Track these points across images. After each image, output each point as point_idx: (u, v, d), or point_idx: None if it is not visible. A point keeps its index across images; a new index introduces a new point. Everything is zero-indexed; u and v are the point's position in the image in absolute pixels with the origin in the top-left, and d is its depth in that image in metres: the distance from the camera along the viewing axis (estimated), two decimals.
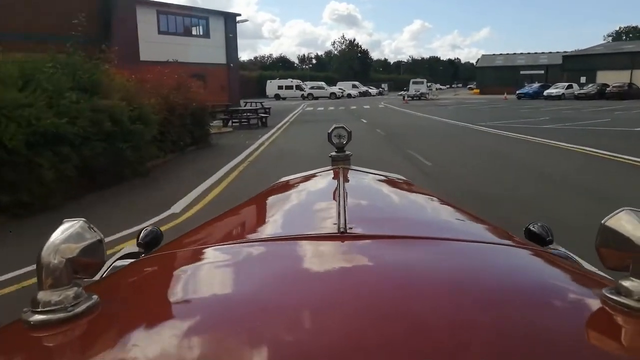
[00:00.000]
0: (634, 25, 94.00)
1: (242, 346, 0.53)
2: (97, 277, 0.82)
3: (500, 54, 71.68)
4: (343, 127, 1.78)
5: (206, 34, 30.17)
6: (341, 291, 0.65)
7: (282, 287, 0.69)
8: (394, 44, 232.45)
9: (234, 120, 18.31)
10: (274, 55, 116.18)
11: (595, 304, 0.61)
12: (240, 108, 20.23)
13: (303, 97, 56.70)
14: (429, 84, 56.98)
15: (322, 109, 33.35)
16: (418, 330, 0.55)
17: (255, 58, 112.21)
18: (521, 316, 0.59)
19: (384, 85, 76.01)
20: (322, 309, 0.60)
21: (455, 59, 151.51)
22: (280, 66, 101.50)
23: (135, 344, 0.55)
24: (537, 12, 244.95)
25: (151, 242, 1.26)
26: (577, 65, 50.49)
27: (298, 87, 58.69)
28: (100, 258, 0.65)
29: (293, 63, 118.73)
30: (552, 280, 0.77)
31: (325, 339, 0.53)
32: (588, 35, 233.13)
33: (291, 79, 60.90)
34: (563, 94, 41.13)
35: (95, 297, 0.62)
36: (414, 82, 52.44)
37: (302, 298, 0.64)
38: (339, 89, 59.31)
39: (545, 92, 42.19)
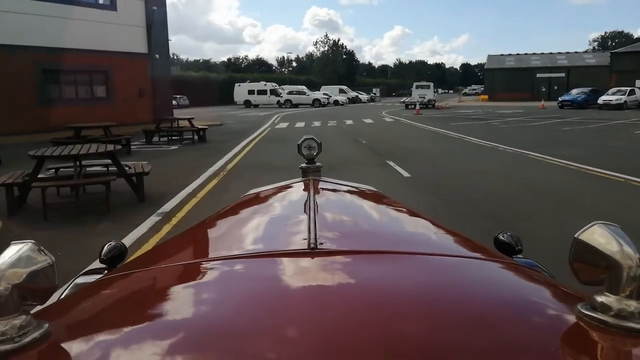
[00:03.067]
0: (619, 30, 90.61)
1: None
2: (57, 297, 0.77)
3: (510, 54, 61.56)
4: (313, 139, 1.77)
5: (110, 4, 18.45)
6: (309, 310, 0.63)
7: (249, 307, 0.66)
8: (374, 50, 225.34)
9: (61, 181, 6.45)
10: (250, 57, 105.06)
11: (570, 319, 0.60)
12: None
13: (279, 105, 45.24)
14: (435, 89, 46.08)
15: (303, 125, 21.79)
16: (387, 347, 0.54)
17: (229, 59, 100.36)
18: (494, 332, 0.59)
19: (376, 90, 65.08)
20: (288, 328, 0.59)
21: (441, 63, 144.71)
22: (257, 69, 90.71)
23: None
24: (516, 20, 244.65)
25: (115, 258, 1.21)
26: (630, 65, 40.16)
27: (273, 92, 47.17)
28: (52, 283, 0.59)
29: (271, 65, 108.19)
30: (525, 295, 0.76)
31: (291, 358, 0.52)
32: (571, 40, 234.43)
33: (265, 82, 49.26)
34: (625, 102, 30.72)
35: (45, 325, 0.58)
36: (418, 87, 41.64)
37: (269, 317, 0.62)
38: (324, 94, 47.87)
39: (601, 100, 31.74)
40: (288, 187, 1.55)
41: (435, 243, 1.11)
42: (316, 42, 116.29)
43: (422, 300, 0.67)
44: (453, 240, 1.08)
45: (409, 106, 38.16)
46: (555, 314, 0.68)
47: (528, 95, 54.14)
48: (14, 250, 0.58)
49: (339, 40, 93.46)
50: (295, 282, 0.74)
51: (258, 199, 1.52)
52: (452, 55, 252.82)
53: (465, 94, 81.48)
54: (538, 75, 55.85)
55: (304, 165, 1.72)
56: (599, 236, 0.58)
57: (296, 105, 44.61)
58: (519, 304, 0.70)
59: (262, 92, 47.48)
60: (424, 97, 39.06)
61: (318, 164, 1.73)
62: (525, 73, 56.30)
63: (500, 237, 1.24)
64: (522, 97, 52.71)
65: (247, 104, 47.24)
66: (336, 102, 47.12)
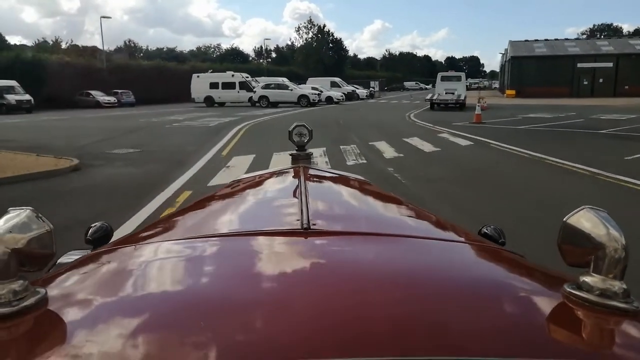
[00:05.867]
0: (608, 22, 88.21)
1: (194, 344, 0.51)
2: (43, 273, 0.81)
3: (538, 40, 49.99)
4: (304, 126, 1.79)
5: None
6: (303, 286, 0.65)
7: (241, 283, 0.67)
8: (355, 44, 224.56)
9: None
10: (224, 47, 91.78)
11: (557, 299, 0.62)
12: None
13: (252, 103, 32.62)
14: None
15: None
16: (378, 324, 0.54)
17: (198, 48, 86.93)
18: (483, 312, 0.60)
19: (374, 84, 52.87)
20: (282, 304, 0.59)
21: (429, 56, 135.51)
22: (232, 59, 77.55)
23: (84, 340, 0.53)
24: (493, 14, 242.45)
25: (101, 238, 1.19)
26: None
27: (244, 86, 34.52)
28: (50, 249, 0.61)
29: (248, 56, 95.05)
30: (513, 275, 0.79)
31: (283, 333, 0.52)
32: (551, 35, 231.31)
33: (232, 72, 36.39)
34: None
35: (43, 290, 0.59)
36: (444, 78, 29.61)
37: (262, 293, 0.63)
38: (313, 89, 35.31)
39: None
40: (279, 173, 1.61)
41: (424, 228, 1.13)
42: (299, 27, 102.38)
43: (413, 280, 0.69)
44: (442, 225, 1.10)
45: (435, 105, 26.77)
46: (543, 293, 0.70)
47: (566, 90, 42.76)
48: (13, 215, 0.58)
49: (324, 27, 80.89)
50: (290, 259, 0.75)
51: (250, 184, 1.54)
52: (431, 49, 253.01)
53: (467, 89, 70.18)
54: (579, 65, 44.31)
55: (294, 152, 1.75)
56: (586, 220, 0.60)
57: (275, 104, 31.97)
58: (508, 285, 0.71)
59: (228, 86, 34.75)
60: (452, 93, 27.34)
61: (308, 151, 1.77)
62: (562, 62, 44.68)
63: (484, 230, 1.24)
64: (558, 92, 41.22)
65: (209, 101, 34.52)
66: (330, 100, 34.89)
